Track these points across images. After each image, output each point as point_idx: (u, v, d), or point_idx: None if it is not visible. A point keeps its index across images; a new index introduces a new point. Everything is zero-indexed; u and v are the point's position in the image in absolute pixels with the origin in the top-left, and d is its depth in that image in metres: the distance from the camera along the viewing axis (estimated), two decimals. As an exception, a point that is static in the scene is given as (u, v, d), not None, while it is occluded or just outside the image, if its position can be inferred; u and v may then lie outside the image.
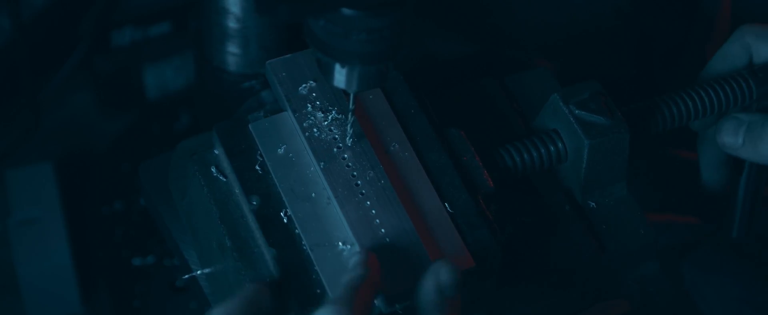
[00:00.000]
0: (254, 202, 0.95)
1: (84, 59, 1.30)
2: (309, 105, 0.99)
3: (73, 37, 1.29)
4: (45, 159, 1.36)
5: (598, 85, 1.03)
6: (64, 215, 1.32)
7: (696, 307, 1.22)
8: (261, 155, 0.98)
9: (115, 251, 1.33)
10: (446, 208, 0.95)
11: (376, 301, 0.91)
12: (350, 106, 0.96)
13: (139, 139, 1.39)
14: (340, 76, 0.89)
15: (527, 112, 1.09)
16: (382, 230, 0.93)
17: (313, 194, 0.96)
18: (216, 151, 1.00)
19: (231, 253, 0.96)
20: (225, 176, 0.99)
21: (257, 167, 0.97)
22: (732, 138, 1.06)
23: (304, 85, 1.00)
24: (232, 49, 1.16)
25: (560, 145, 1.03)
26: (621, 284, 1.04)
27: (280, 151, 0.97)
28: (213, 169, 0.99)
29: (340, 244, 0.93)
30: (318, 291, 0.92)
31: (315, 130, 0.98)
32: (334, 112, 0.99)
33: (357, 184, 0.95)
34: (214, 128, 0.99)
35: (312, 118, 0.98)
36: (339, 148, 0.97)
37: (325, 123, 0.98)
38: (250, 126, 0.99)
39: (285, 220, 0.95)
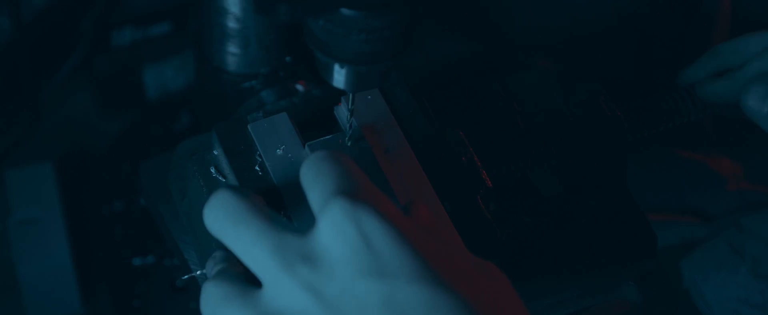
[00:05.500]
0: None
1: (84, 59, 1.30)
2: None
3: (73, 37, 1.29)
4: (45, 159, 1.36)
5: (598, 85, 1.04)
6: (64, 215, 1.32)
7: (695, 307, 1.22)
8: (260, 156, 0.98)
9: (115, 251, 1.33)
10: (445, 208, 0.95)
11: None
12: (349, 106, 0.96)
13: (139, 139, 1.39)
14: (339, 76, 0.89)
15: (527, 112, 1.09)
16: None
17: None
18: (215, 152, 1.00)
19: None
20: (224, 177, 0.99)
21: (257, 168, 0.97)
22: (759, 104, 1.03)
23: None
24: (232, 49, 1.16)
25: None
26: (620, 284, 1.04)
27: (279, 151, 0.97)
28: (212, 170, 0.99)
29: None
30: None
31: None
32: None
33: None
34: (214, 128, 0.99)
35: None
36: None
37: None
38: (248, 126, 0.99)
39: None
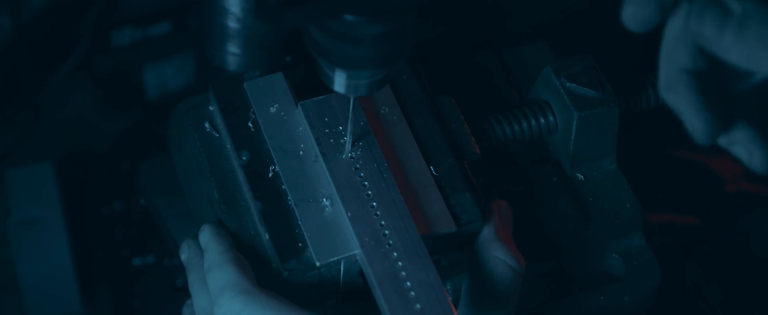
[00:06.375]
0: (244, 157, 0.97)
1: (84, 59, 1.30)
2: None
3: (73, 37, 1.29)
4: (45, 159, 1.36)
5: (590, 59, 1.05)
6: (64, 215, 1.32)
7: (698, 309, 1.23)
8: (254, 113, 0.99)
9: (115, 251, 1.33)
10: (431, 171, 0.97)
11: None
12: (350, 109, 0.96)
13: (139, 139, 1.39)
14: (340, 81, 0.90)
15: (523, 85, 1.10)
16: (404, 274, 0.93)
17: (301, 152, 0.97)
18: (211, 108, 1.01)
19: (218, 205, 0.97)
20: (217, 132, 1.00)
21: (249, 124, 0.99)
22: (714, 31, 0.76)
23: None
24: (232, 49, 1.16)
25: (551, 116, 1.04)
26: (605, 256, 1.05)
27: (272, 109, 0.99)
28: (207, 125, 1.00)
29: (324, 200, 0.95)
30: (300, 245, 0.93)
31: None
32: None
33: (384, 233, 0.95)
34: (210, 85, 1.01)
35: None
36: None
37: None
38: (244, 84, 1.00)
39: (272, 176, 0.96)
